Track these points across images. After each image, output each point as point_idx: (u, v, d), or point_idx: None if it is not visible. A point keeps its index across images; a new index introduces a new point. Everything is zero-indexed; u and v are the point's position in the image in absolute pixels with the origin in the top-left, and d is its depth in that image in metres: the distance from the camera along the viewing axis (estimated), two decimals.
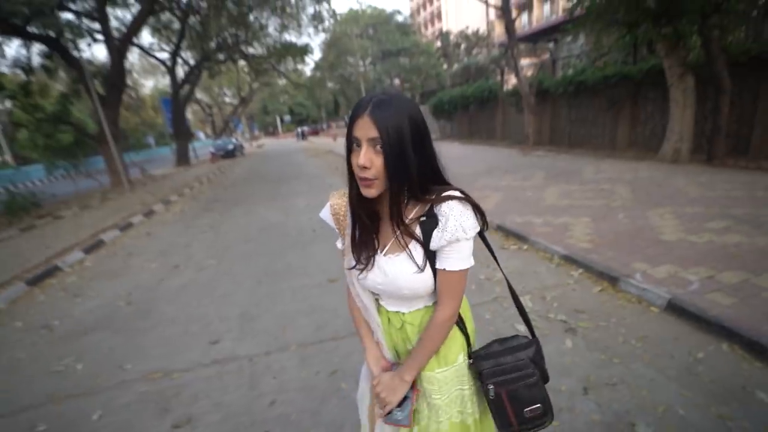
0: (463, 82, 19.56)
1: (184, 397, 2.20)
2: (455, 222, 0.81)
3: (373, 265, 0.91)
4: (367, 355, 1.05)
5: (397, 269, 0.88)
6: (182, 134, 19.03)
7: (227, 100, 40.20)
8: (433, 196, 0.84)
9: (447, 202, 0.82)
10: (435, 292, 0.91)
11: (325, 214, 1.01)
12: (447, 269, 0.85)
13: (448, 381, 0.96)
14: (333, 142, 26.88)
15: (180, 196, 10.19)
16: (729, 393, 1.85)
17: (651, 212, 4.32)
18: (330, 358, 2.43)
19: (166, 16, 14.80)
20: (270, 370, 2.36)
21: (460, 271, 0.85)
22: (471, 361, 0.98)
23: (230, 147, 23.68)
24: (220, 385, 2.28)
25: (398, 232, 0.87)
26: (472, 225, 0.82)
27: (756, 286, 2.60)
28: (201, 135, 49.50)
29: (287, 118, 58.97)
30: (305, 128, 47.65)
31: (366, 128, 0.75)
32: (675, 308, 2.54)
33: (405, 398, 0.95)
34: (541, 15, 29.39)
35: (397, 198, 0.83)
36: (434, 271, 0.87)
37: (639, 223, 4.04)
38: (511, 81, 13.89)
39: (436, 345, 0.92)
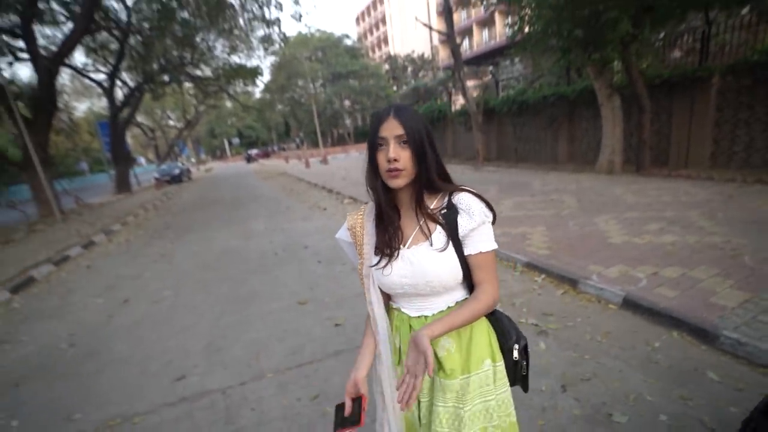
0: (413, 103, 20.33)
1: None
2: (479, 208, 0.91)
3: (397, 257, 0.95)
4: (355, 369, 1.01)
5: (423, 256, 0.92)
6: (122, 159, 17.76)
7: (171, 123, 38.30)
8: (449, 190, 0.94)
9: (464, 193, 0.93)
10: (462, 285, 0.96)
11: (342, 233, 1.07)
12: (483, 251, 0.91)
13: (472, 390, 0.95)
14: (285, 164, 26.50)
15: (123, 224, 9.44)
16: (685, 375, 2.03)
17: (597, 218, 4.71)
18: (309, 383, 2.33)
19: (102, 35, 13.98)
20: (247, 401, 2.22)
21: (494, 250, 0.93)
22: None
23: (176, 172, 22.49)
24: (191, 424, 2.10)
25: (422, 221, 0.93)
26: (489, 211, 0.93)
27: (692, 279, 2.91)
28: (142, 160, 46.58)
29: (236, 140, 57.28)
30: (254, 151, 46.57)
31: (392, 128, 0.87)
32: (630, 304, 2.76)
33: (355, 400, 0.95)
34: (480, 40, 31.57)
35: (420, 188, 0.92)
36: (462, 259, 0.91)
37: (588, 229, 4.38)
38: (459, 101, 14.69)
39: (471, 319, 0.90)
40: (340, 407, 0.97)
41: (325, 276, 4.15)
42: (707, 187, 5.67)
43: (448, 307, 0.98)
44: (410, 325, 1.00)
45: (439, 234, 0.92)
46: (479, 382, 0.97)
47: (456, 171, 11.07)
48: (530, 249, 3.98)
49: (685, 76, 7.03)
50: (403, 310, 1.02)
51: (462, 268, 0.92)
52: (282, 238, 6.07)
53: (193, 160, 48.17)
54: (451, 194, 0.94)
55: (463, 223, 0.90)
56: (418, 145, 0.88)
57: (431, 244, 0.91)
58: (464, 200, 0.92)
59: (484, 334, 0.99)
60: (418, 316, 0.99)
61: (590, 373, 2.12)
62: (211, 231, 7.38)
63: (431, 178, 0.91)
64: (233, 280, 4.43)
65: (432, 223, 0.93)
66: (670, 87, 7.32)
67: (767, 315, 2.30)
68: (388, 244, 0.95)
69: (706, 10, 6.97)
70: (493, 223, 0.94)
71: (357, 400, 0.96)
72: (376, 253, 0.98)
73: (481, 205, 0.91)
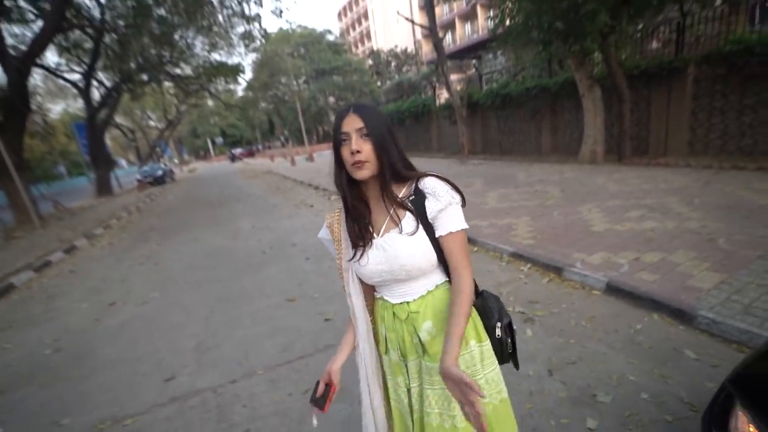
0: (397, 97, 20.29)
1: None
2: (444, 190, 0.93)
3: (371, 246, 0.98)
4: (334, 357, 1.08)
5: (394, 242, 0.94)
6: (102, 162, 17.31)
7: (152, 123, 37.42)
8: (415, 176, 0.98)
9: (429, 178, 0.96)
10: (438, 268, 0.99)
11: (323, 232, 1.11)
12: (452, 231, 0.93)
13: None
14: (271, 162, 26.24)
15: (106, 228, 9.24)
16: (665, 355, 2.11)
17: (580, 208, 4.81)
18: (301, 377, 2.35)
19: (76, 34, 13.53)
20: (238, 398, 2.22)
21: (463, 230, 0.94)
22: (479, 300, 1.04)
23: (159, 173, 22.07)
24: (183, 423, 2.09)
25: (391, 210, 0.96)
26: (456, 193, 0.95)
27: (671, 263, 3.00)
28: (123, 162, 45.47)
29: (219, 140, 56.38)
30: (238, 150, 45.90)
31: (353, 122, 0.91)
32: (612, 289, 2.84)
33: (327, 387, 1.03)
34: (463, 34, 31.66)
35: (385, 178, 0.94)
36: (435, 242, 0.94)
37: (572, 218, 4.48)
38: (443, 95, 14.73)
39: (468, 313, 0.90)
40: (317, 384, 1.05)
41: (313, 272, 4.15)
42: (685, 174, 5.84)
43: (428, 291, 1.00)
44: (393, 312, 1.02)
45: (408, 219, 0.95)
46: (465, 363, 0.98)
47: (441, 165, 11.14)
48: (516, 239, 4.06)
49: (662, 67, 7.20)
50: (386, 298, 1.04)
51: (435, 250, 0.95)
52: (269, 237, 6.03)
53: (176, 160, 47.23)
54: (417, 180, 0.97)
55: (431, 206, 0.93)
56: (379, 136, 0.91)
57: (401, 230, 0.94)
58: (429, 184, 0.95)
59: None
60: (401, 303, 1.01)
61: (575, 356, 2.19)
62: (198, 231, 7.28)
63: (395, 168, 0.94)
64: (221, 279, 4.39)
65: (401, 210, 0.96)
66: (648, 77, 7.49)
67: (740, 295, 2.40)
68: (360, 236, 0.99)
69: (681, 2, 7.13)
70: (463, 205, 0.96)
71: (327, 387, 1.03)
72: (352, 247, 1.01)
73: (447, 187, 0.94)
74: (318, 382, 1.05)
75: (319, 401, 1.03)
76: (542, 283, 3.18)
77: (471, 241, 4.31)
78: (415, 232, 0.93)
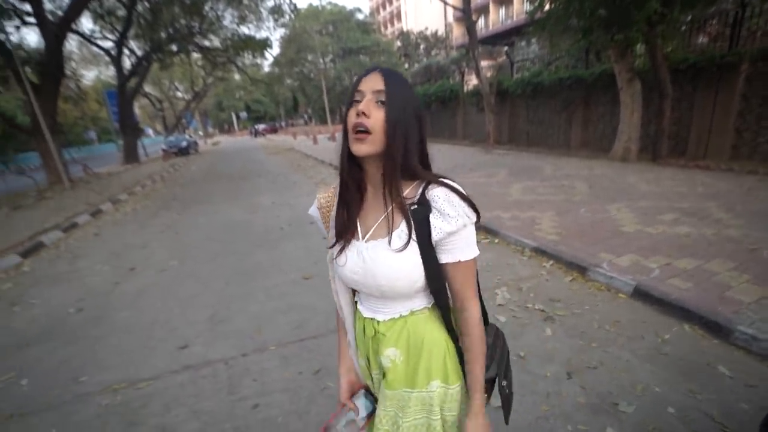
0: (425, 81, 19.83)
1: (155, 407, 2.02)
2: (457, 207, 0.75)
3: (353, 248, 0.83)
4: (339, 364, 1.02)
5: (378, 255, 0.78)
6: (130, 130, 17.72)
7: (179, 94, 37.96)
8: (426, 179, 0.78)
9: (441, 188, 0.76)
10: (422, 293, 0.83)
11: (313, 209, 0.95)
12: (462, 260, 0.77)
13: (412, 405, 0.85)
14: (294, 140, 26.32)
15: (131, 194, 9.48)
16: (695, 369, 1.99)
17: (609, 206, 4.59)
18: (312, 357, 2.33)
19: (110, 1, 13.67)
20: (249, 372, 2.23)
21: (474, 258, 0.79)
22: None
23: (184, 144, 22.41)
24: (195, 391, 2.12)
25: (389, 210, 0.79)
26: (471, 210, 0.76)
27: (707, 271, 2.83)
28: (150, 131, 46.53)
29: (243, 114, 56.88)
30: (261, 126, 46.20)
31: (373, 81, 0.75)
32: (641, 294, 2.70)
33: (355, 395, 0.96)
34: (497, 19, 30.54)
35: (393, 165, 0.75)
36: (430, 266, 0.77)
37: (599, 216, 4.28)
38: (471, 82, 14.30)
39: (482, 359, 0.82)
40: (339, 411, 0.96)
41: None
42: (726, 179, 5.50)
43: (401, 316, 0.85)
44: (363, 326, 0.91)
45: (401, 231, 0.77)
46: (422, 400, 0.86)
47: (466, 153, 10.89)
48: (539, 234, 3.91)
49: (712, 61, 6.71)
50: (358, 306, 0.92)
51: (429, 275, 0.78)
52: (288, 213, 6.04)
53: (200, 132, 48.05)
54: (426, 186, 0.77)
55: (438, 225, 0.74)
56: (398, 109, 0.73)
57: (389, 243, 0.77)
58: (441, 197, 0.75)
59: (439, 351, 0.84)
60: (370, 318, 0.88)
61: (597, 361, 2.08)
62: (218, 204, 7.38)
63: (408, 157, 0.76)
64: (239, 252, 4.43)
65: (399, 215, 0.78)
66: (695, 73, 7.01)
67: None
68: (343, 228, 0.83)
69: None
70: (477, 223, 0.78)
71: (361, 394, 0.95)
72: (335, 237, 0.86)
73: (462, 204, 0.75)
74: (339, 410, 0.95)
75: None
76: (565, 281, 3.05)
77: (492, 232, 4.19)
78: (403, 250, 0.75)
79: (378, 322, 0.86)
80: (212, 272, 3.90)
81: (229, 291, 3.42)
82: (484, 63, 11.48)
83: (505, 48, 18.63)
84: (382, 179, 0.78)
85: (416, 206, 0.76)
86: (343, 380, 1.00)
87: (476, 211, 0.77)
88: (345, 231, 0.83)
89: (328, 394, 2.00)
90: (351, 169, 0.81)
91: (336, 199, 0.86)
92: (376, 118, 0.73)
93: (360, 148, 0.74)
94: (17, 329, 3.08)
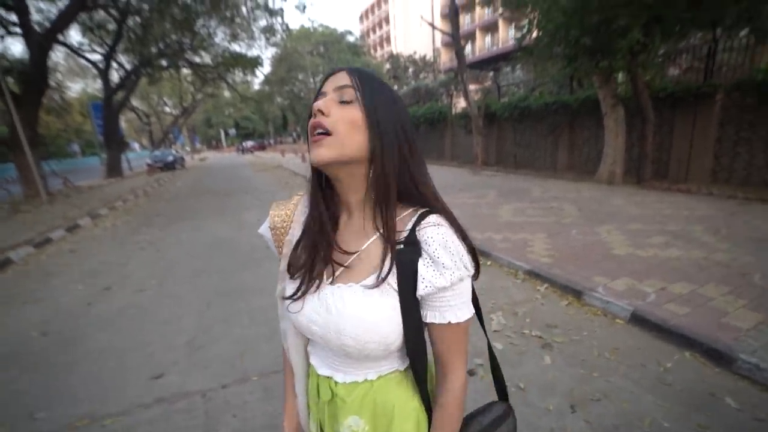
0: (413, 103, 20.16)
1: None
2: (455, 256, 0.58)
3: (314, 292, 0.65)
4: (284, 417, 0.85)
5: (348, 303, 0.61)
6: (114, 143, 17.36)
7: (167, 109, 37.71)
8: (422, 208, 0.63)
9: (438, 228, 0.59)
10: (394, 354, 0.67)
11: (264, 228, 0.77)
12: (453, 321, 0.60)
13: None
14: (282, 157, 26.22)
15: (111, 209, 9.16)
16: (701, 401, 1.90)
17: (599, 228, 4.60)
18: None
19: (100, 14, 13.61)
20: (229, 406, 2.05)
21: (468, 320, 0.62)
22: None
23: (170, 159, 22.10)
24: (167, 428, 1.92)
25: (371, 242, 0.63)
26: (471, 261, 0.61)
27: (702, 296, 2.79)
28: (136, 146, 45.87)
29: (232, 131, 56.72)
30: (249, 143, 46.07)
31: (337, 80, 0.61)
32: (638, 319, 2.64)
33: None
34: (483, 45, 31.60)
35: (377, 186, 0.60)
36: (411, 322, 0.62)
37: (590, 238, 4.27)
38: (459, 104, 14.55)
39: (456, 427, 0.66)
40: None
41: None
42: (708, 202, 5.61)
43: (366, 380, 0.68)
44: (317, 383, 0.73)
45: (376, 278, 0.60)
46: None
47: (455, 173, 10.95)
48: (532, 256, 3.86)
49: (689, 91, 6.99)
50: (312, 359, 0.75)
51: (408, 335, 0.62)
52: None
53: (187, 148, 47.54)
54: (419, 219, 0.61)
55: (428, 277, 0.58)
56: (371, 107, 0.58)
57: (359, 280, 0.62)
58: (435, 239, 0.58)
59: (412, 417, 0.69)
60: (326, 377, 0.71)
61: (600, 392, 1.99)
62: (203, 220, 7.16)
63: (407, 180, 0.62)
64: (222, 272, 4.24)
65: (380, 251, 0.61)
66: (674, 101, 7.27)
67: None
68: (306, 266, 0.65)
69: (714, 27, 6.92)
70: (476, 278, 0.64)
71: None
72: (291, 275, 0.68)
73: (462, 252, 0.59)
74: None
75: None
76: (561, 305, 2.98)
77: (484, 254, 4.12)
78: (374, 287, 0.60)
79: (336, 383, 0.69)
80: (193, 293, 3.70)
81: (210, 313, 3.23)
82: (471, 87, 11.72)
83: (491, 73, 19.18)
84: (363, 204, 0.64)
85: (402, 246, 0.60)
86: (286, 416, 0.83)
87: (477, 261, 0.62)
88: (307, 270, 0.65)
89: None
90: (320, 191, 0.66)
91: (296, 225, 0.70)
92: (338, 117, 0.58)
93: (319, 153, 0.57)
94: None
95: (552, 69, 8.62)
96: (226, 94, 32.33)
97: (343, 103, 0.59)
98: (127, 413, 2.05)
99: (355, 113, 0.58)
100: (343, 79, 0.60)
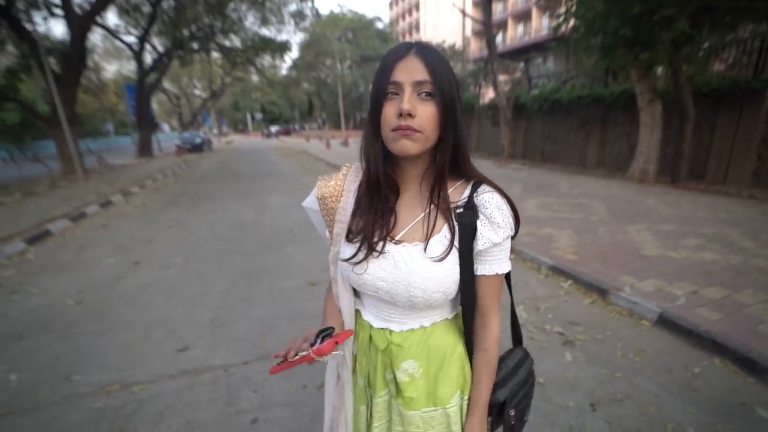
0: None
1: (147, 415, 1.90)
2: (506, 217, 0.69)
3: (381, 253, 0.71)
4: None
5: (413, 261, 0.69)
6: (146, 124, 17.92)
7: (197, 92, 38.55)
8: (474, 179, 0.72)
9: (493, 194, 0.70)
10: (448, 304, 0.78)
11: (311, 200, 0.83)
12: (499, 273, 0.71)
13: (436, 425, 0.78)
14: (306, 142, 26.43)
15: (142, 188, 9.50)
16: (730, 410, 1.83)
17: (629, 227, 4.43)
18: (317, 370, 2.17)
19: None
20: (250, 382, 2.11)
21: (508, 272, 0.74)
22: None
23: (198, 141, 22.61)
24: (191, 399, 2.00)
25: (428, 211, 0.70)
26: (515, 222, 0.72)
27: (738, 303, 2.66)
28: (165, 127, 47.18)
29: (259, 116, 57.54)
30: (275, 128, 46.68)
31: (411, 70, 0.62)
32: (666, 322, 2.54)
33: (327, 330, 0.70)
34: (515, 35, 30.58)
35: (443, 164, 0.69)
36: (466, 277, 0.70)
37: (619, 237, 4.12)
38: (487, 95, 14.23)
39: (493, 377, 0.77)
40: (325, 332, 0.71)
41: None
42: (748, 206, 5.31)
43: (421, 326, 0.77)
44: (370, 336, 0.80)
45: (442, 237, 0.69)
46: (446, 418, 0.78)
47: (480, 165, 10.53)
48: (557, 252, 3.76)
49: (736, 87, 6.56)
50: (364, 315, 0.82)
51: (464, 287, 0.71)
52: (298, 216, 5.96)
53: (215, 131, 48.58)
54: (474, 187, 0.71)
55: (486, 234, 0.68)
56: (449, 100, 0.63)
57: (425, 249, 0.69)
58: (492, 203, 0.68)
59: (458, 360, 0.78)
60: (382, 328, 0.79)
61: (622, 393, 1.93)
62: (228, 202, 7.33)
63: (459, 155, 0.69)
64: (245, 253, 4.34)
65: (441, 218, 0.70)
66: (718, 97, 6.86)
67: None
68: (371, 233, 0.72)
69: None
70: (514, 237, 0.73)
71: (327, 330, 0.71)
72: (349, 239, 0.75)
73: (510, 214, 0.70)
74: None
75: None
76: (584, 303, 2.90)
77: None
78: (442, 259, 0.68)
79: (391, 332, 0.77)
80: (217, 272, 3.81)
81: (233, 293, 3.32)
82: (500, 78, 11.40)
83: (521, 63, 18.59)
84: (421, 177, 0.72)
85: (462, 210, 0.70)
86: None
87: (518, 222, 0.72)
88: (370, 235, 0.71)
89: None
90: (387, 167, 0.72)
91: (347, 194, 0.77)
92: (424, 115, 0.62)
93: (406, 147, 0.64)
94: (13, 319, 2.99)
95: (588, 61, 8.27)
96: (254, 78, 32.68)
97: (422, 95, 0.63)
98: (154, 382, 2.15)
99: (435, 109, 0.64)
100: (419, 70, 0.62)
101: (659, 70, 7.56)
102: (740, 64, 7.18)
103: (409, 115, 0.61)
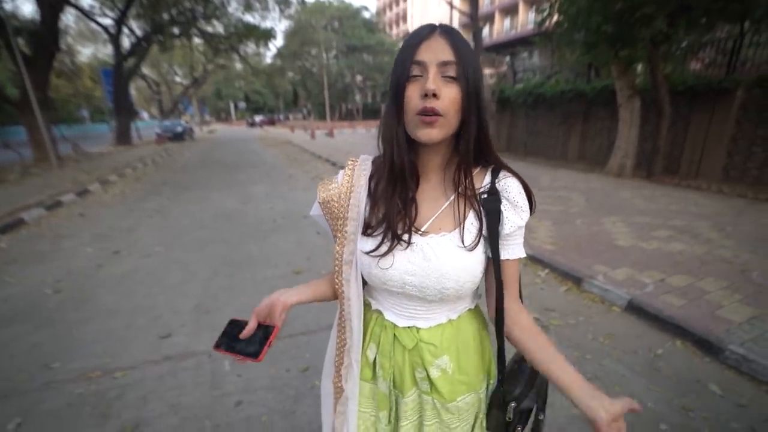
0: None
1: (131, 399, 1.92)
2: (526, 201, 0.70)
3: (407, 245, 0.69)
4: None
5: (444, 252, 0.67)
6: (124, 111, 17.35)
7: (178, 79, 37.45)
8: (496, 166, 0.72)
9: (513, 179, 0.70)
10: (470, 294, 0.76)
11: (316, 209, 0.80)
12: (522, 256, 0.73)
13: (469, 408, 0.80)
14: (291, 133, 26.11)
15: (121, 176, 9.26)
16: (687, 386, 1.97)
17: (605, 219, 4.60)
18: (301, 354, 2.26)
19: None
20: (234, 366, 2.14)
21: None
22: (514, 404, 0.78)
23: (179, 129, 22.07)
24: (175, 383, 2.03)
25: (453, 200, 0.70)
26: (530, 207, 0.72)
27: (700, 289, 2.83)
28: (145, 115, 45.80)
29: (242, 105, 56.40)
30: (259, 117, 45.88)
31: (437, 50, 0.60)
32: (634, 308, 2.69)
33: (258, 332, 0.74)
34: (501, 29, 30.70)
35: (467, 152, 0.67)
36: (494, 264, 0.71)
37: (595, 228, 4.28)
38: None
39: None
40: (234, 324, 0.75)
41: (323, 247, 4.05)
42: (717, 200, 5.57)
43: (449, 320, 0.76)
44: (395, 335, 0.77)
45: (469, 226, 0.68)
46: (478, 401, 0.81)
47: None
48: (535, 243, 3.89)
49: (709, 86, 6.81)
50: (386, 315, 0.78)
51: (495, 273, 0.71)
52: (282, 206, 5.94)
53: (196, 119, 47.39)
54: (495, 174, 0.70)
55: (511, 218, 0.68)
56: (474, 83, 0.62)
57: (462, 239, 0.67)
58: (513, 187, 0.69)
59: (482, 346, 0.81)
60: (408, 327, 0.75)
61: (591, 374, 2.05)
62: (210, 191, 7.24)
63: (483, 143, 0.68)
64: (228, 242, 4.32)
65: (468, 206, 0.69)
66: (692, 96, 7.11)
67: None
68: (395, 224, 0.69)
69: (743, 20, 6.68)
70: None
71: (264, 328, 0.74)
72: (368, 233, 0.71)
73: (526, 198, 0.71)
74: (236, 322, 0.75)
75: (249, 348, 0.72)
76: (559, 291, 3.03)
77: None
78: (474, 247, 0.67)
79: (419, 329, 0.75)
80: (200, 261, 3.80)
81: (216, 281, 3.32)
82: (485, 71, 11.50)
83: (506, 58, 18.72)
84: (442, 165, 0.71)
85: (487, 195, 0.69)
86: (280, 299, 0.77)
87: (533, 205, 0.72)
88: (388, 226, 0.69)
89: (316, 394, 1.93)
90: (410, 154, 0.69)
91: (358, 189, 0.74)
92: (448, 98, 0.60)
93: (430, 134, 0.62)
94: None
95: (570, 56, 8.41)
96: (238, 66, 31.91)
97: (446, 78, 0.61)
98: (137, 368, 2.16)
99: (458, 92, 0.61)
100: (444, 50, 0.60)
101: (639, 67, 7.77)
102: (716, 64, 7.44)
103: (434, 95, 0.59)
